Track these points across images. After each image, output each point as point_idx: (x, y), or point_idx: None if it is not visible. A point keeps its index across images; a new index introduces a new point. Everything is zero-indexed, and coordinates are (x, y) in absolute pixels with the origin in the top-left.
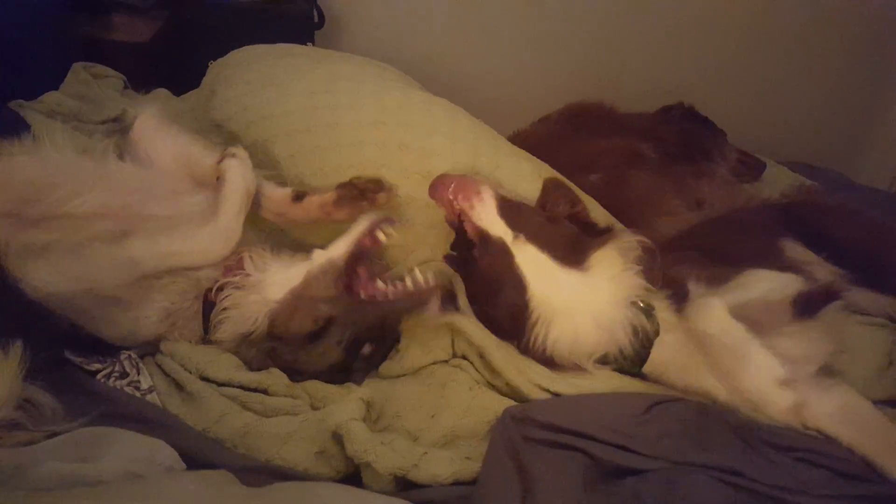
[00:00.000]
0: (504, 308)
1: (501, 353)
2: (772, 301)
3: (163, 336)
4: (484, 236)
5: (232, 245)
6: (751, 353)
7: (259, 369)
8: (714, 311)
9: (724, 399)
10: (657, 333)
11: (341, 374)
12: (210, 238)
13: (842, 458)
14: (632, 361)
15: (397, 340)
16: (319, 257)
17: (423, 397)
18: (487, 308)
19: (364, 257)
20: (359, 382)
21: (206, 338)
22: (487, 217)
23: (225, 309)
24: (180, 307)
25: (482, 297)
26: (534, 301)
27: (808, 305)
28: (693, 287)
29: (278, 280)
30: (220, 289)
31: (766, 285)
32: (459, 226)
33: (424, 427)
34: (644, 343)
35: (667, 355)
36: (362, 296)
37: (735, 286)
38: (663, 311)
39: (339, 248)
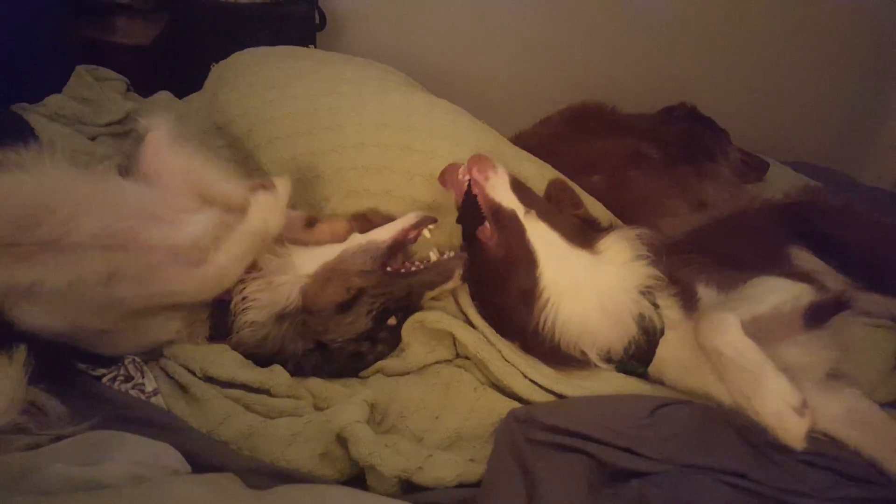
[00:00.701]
0: (513, 288)
1: (505, 356)
2: (784, 313)
3: (169, 343)
4: (496, 209)
5: (225, 287)
6: (766, 376)
7: (287, 348)
8: (728, 329)
9: (728, 401)
10: (662, 332)
11: (367, 342)
12: (201, 280)
13: (847, 460)
14: (637, 359)
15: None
16: (360, 238)
17: (428, 398)
18: (495, 293)
19: (403, 247)
20: (383, 356)
21: (212, 338)
22: (501, 190)
23: (245, 299)
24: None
25: (491, 278)
26: (544, 279)
27: (818, 315)
28: (702, 290)
29: (310, 257)
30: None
31: (777, 297)
32: (467, 207)
33: (429, 428)
34: (650, 338)
35: (671, 353)
36: (388, 268)
37: (747, 297)
38: (669, 309)
39: (386, 233)
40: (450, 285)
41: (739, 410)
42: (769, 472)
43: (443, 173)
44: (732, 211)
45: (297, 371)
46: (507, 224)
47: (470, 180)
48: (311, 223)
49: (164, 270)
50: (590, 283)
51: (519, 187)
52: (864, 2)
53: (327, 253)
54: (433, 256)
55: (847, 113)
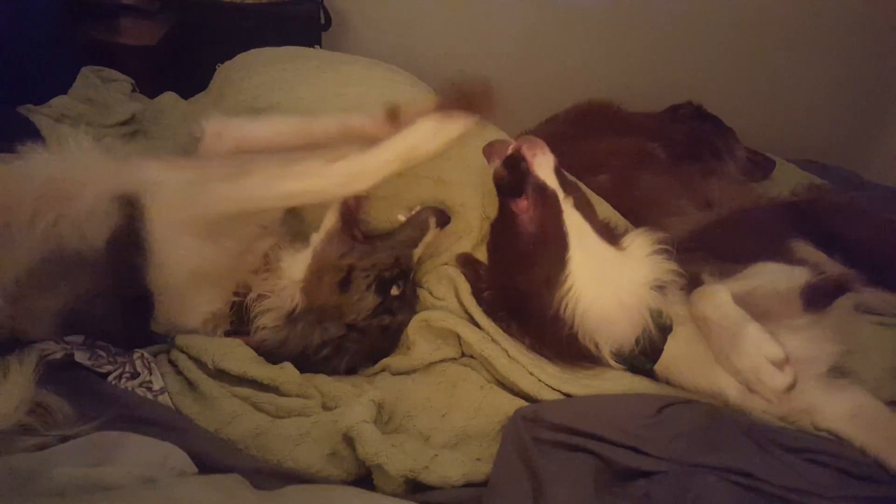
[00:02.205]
0: (539, 269)
1: (511, 354)
2: (780, 291)
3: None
4: (540, 186)
5: (356, 187)
6: (746, 333)
7: (311, 342)
8: (716, 295)
9: (735, 398)
10: (671, 328)
11: (387, 315)
12: (337, 173)
13: (853, 459)
14: (647, 355)
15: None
16: (317, 235)
17: (434, 397)
18: (519, 271)
19: (354, 220)
20: (405, 323)
21: (230, 333)
22: (546, 170)
23: (260, 297)
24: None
25: (517, 256)
26: (571, 265)
27: (817, 297)
28: (707, 279)
29: (293, 265)
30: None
31: (773, 275)
32: (509, 181)
33: (436, 427)
34: (661, 334)
35: (681, 349)
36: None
37: (743, 276)
38: (677, 305)
39: (329, 218)
40: (429, 237)
41: (746, 409)
42: (775, 471)
43: (490, 145)
44: (738, 209)
45: (336, 355)
46: (546, 203)
47: (516, 156)
48: (393, 115)
49: (300, 162)
50: (612, 277)
51: (561, 174)
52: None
53: (305, 258)
54: (402, 218)
55: (853, 111)
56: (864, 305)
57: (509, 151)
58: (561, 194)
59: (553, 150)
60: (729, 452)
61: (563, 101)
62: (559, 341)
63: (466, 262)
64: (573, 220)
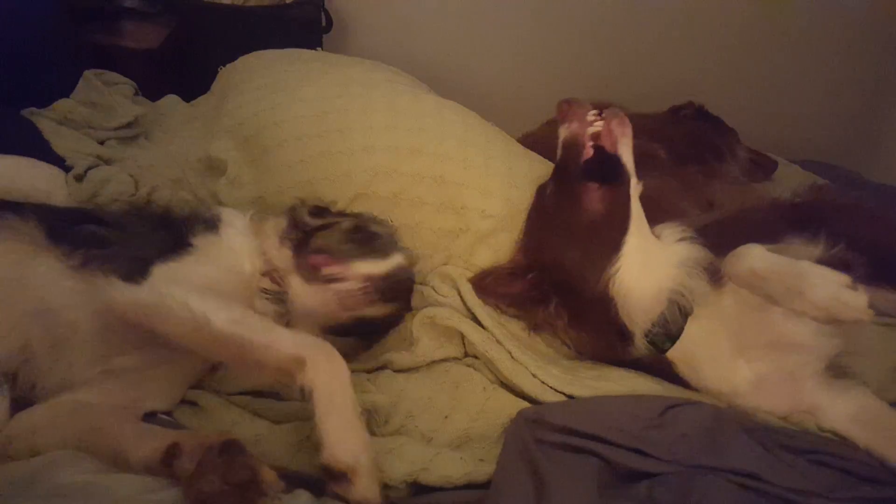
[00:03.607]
0: (597, 245)
1: (514, 355)
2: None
3: None
4: (619, 167)
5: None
6: (807, 270)
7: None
8: (753, 251)
9: (746, 393)
10: (692, 310)
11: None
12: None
13: (858, 460)
14: (667, 335)
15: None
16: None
17: (436, 397)
18: (573, 244)
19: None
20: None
21: None
22: (627, 153)
23: None
24: None
25: (575, 229)
26: (626, 247)
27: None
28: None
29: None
30: None
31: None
32: (590, 158)
33: (437, 428)
34: (682, 314)
35: (700, 342)
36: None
37: None
38: (701, 291)
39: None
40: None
41: (751, 410)
42: (779, 472)
43: (568, 105)
44: (740, 210)
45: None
46: (620, 184)
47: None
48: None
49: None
50: (655, 261)
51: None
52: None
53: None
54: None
55: (855, 111)
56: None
57: (595, 128)
58: (634, 179)
59: (554, 153)
60: (733, 454)
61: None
62: (599, 319)
63: (485, 275)
64: (637, 208)
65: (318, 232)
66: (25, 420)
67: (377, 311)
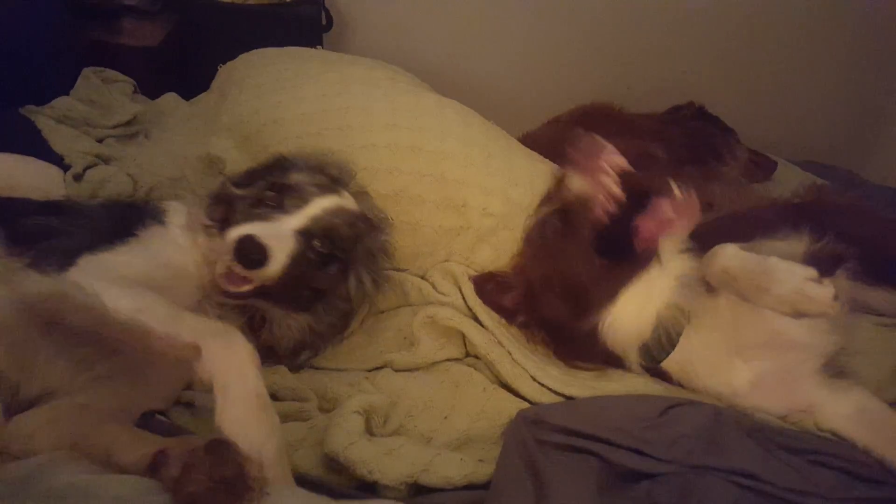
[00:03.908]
0: (593, 298)
1: (515, 357)
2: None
3: None
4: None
5: None
6: (773, 265)
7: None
8: (726, 249)
9: (745, 394)
10: (687, 322)
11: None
12: None
13: (858, 460)
14: (662, 347)
15: None
16: None
17: (436, 397)
18: (565, 291)
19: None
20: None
21: None
22: (674, 241)
23: None
24: None
25: (572, 277)
26: (623, 297)
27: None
28: None
29: None
30: None
31: (773, 247)
32: (583, 213)
33: (437, 429)
34: (676, 328)
35: (697, 351)
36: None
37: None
38: (697, 302)
39: None
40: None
41: (750, 410)
42: (779, 473)
43: (586, 148)
44: (740, 210)
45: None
46: (637, 265)
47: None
48: None
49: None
50: (653, 289)
51: None
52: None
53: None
54: None
55: (854, 111)
56: (867, 306)
57: (613, 189)
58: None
59: (556, 152)
60: (732, 454)
61: (565, 102)
62: (588, 349)
63: (486, 279)
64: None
65: (237, 205)
66: (24, 423)
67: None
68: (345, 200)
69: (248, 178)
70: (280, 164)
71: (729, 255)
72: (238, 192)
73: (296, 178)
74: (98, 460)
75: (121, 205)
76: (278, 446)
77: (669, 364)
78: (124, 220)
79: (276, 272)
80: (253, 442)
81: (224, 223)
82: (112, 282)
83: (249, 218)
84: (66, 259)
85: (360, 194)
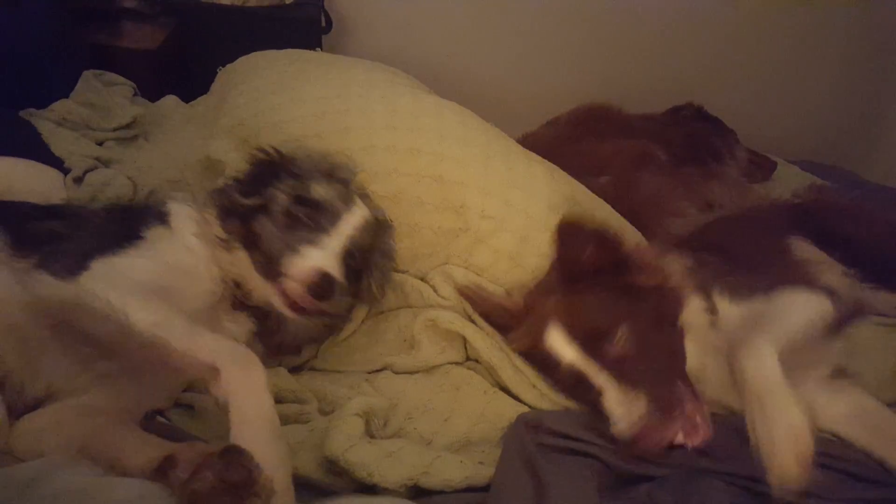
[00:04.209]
0: None
1: (516, 363)
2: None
3: None
4: None
5: None
6: (782, 408)
7: None
8: (766, 362)
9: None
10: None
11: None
12: None
13: (857, 461)
14: None
15: None
16: None
17: (437, 399)
18: None
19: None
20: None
21: None
22: None
23: None
24: None
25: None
26: None
27: (837, 326)
28: (718, 297)
29: None
30: None
31: (804, 317)
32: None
33: (438, 431)
34: None
35: (696, 362)
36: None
37: (773, 318)
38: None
39: None
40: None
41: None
42: None
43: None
44: (739, 210)
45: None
46: None
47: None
48: None
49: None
50: None
51: None
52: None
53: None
54: None
55: (854, 112)
56: (867, 305)
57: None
58: None
59: (555, 152)
60: (731, 458)
61: (564, 103)
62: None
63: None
64: None
65: (256, 218)
66: (31, 423)
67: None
68: (363, 210)
69: (254, 184)
70: (285, 168)
71: (766, 374)
72: (247, 202)
73: (318, 191)
74: (105, 463)
75: (122, 208)
76: (287, 473)
77: None
78: (128, 222)
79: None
80: (265, 466)
81: (245, 238)
82: (129, 291)
83: (292, 240)
84: (77, 262)
85: (363, 196)
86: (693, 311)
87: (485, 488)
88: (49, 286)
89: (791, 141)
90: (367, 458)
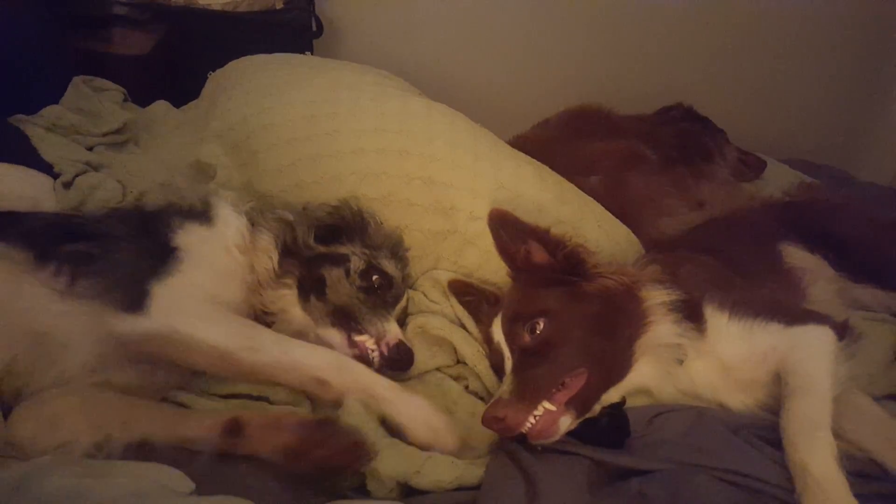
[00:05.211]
0: None
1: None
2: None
3: None
4: None
5: None
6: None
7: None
8: (827, 458)
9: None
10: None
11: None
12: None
13: (847, 455)
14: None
15: None
16: None
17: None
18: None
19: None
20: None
21: None
22: None
23: None
24: None
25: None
26: None
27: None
28: (711, 313)
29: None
30: None
31: (827, 371)
32: None
33: None
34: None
35: (707, 378)
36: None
37: (803, 389)
38: (689, 341)
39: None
40: None
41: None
42: (769, 470)
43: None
44: (730, 209)
45: None
46: None
47: None
48: None
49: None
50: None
51: None
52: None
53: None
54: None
55: (844, 110)
56: (857, 302)
57: None
58: None
59: (545, 154)
60: (721, 454)
61: (555, 106)
62: None
63: (464, 291)
64: None
65: (324, 266)
66: (37, 410)
67: None
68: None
69: (331, 235)
70: (359, 231)
71: (819, 462)
72: (322, 249)
73: (389, 267)
74: (157, 439)
75: (136, 215)
76: (442, 418)
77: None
78: (155, 228)
79: None
80: (430, 423)
81: (306, 280)
82: (205, 318)
83: (367, 303)
84: (131, 293)
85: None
86: (662, 334)
87: (475, 487)
88: (127, 322)
89: (781, 140)
90: (374, 437)
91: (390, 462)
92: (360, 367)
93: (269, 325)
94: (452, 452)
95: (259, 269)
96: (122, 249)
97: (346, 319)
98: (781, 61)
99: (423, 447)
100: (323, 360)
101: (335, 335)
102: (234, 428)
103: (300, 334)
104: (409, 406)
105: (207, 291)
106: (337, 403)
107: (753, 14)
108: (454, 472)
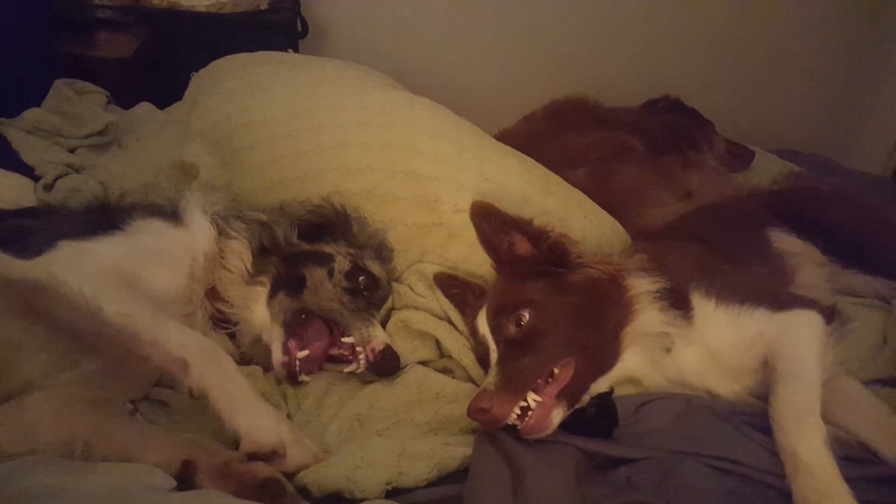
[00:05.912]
0: None
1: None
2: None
3: None
4: None
5: None
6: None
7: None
8: (817, 445)
9: (723, 382)
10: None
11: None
12: None
13: (836, 440)
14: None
15: None
16: None
17: (404, 395)
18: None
19: None
20: None
21: None
22: None
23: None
24: None
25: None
26: None
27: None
28: (698, 300)
29: None
30: None
31: (816, 357)
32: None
33: (402, 419)
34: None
35: (694, 365)
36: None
37: (792, 374)
38: (676, 329)
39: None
40: None
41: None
42: (758, 456)
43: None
44: (718, 199)
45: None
46: None
47: None
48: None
49: None
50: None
51: None
52: None
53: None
54: None
55: (833, 100)
56: (847, 287)
57: None
58: None
59: (532, 147)
60: (710, 441)
61: (543, 101)
62: None
63: (449, 283)
64: None
65: (306, 265)
66: (24, 413)
67: None
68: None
69: (315, 232)
70: (342, 230)
71: (810, 447)
72: (305, 247)
73: (374, 268)
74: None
75: (104, 205)
76: (290, 427)
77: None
78: (109, 215)
79: None
80: (271, 430)
81: (283, 278)
82: (96, 277)
83: (351, 305)
84: (43, 244)
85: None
86: (648, 323)
87: (457, 470)
88: (17, 267)
89: (771, 130)
90: (339, 476)
91: (369, 479)
92: (230, 364)
93: (233, 325)
94: (300, 467)
95: (230, 268)
96: (64, 223)
97: (297, 324)
98: (771, 52)
99: (259, 458)
100: (193, 342)
101: (278, 334)
102: (188, 468)
103: (258, 338)
104: (256, 416)
105: (122, 267)
106: (194, 394)
107: (743, 5)
108: (433, 460)
